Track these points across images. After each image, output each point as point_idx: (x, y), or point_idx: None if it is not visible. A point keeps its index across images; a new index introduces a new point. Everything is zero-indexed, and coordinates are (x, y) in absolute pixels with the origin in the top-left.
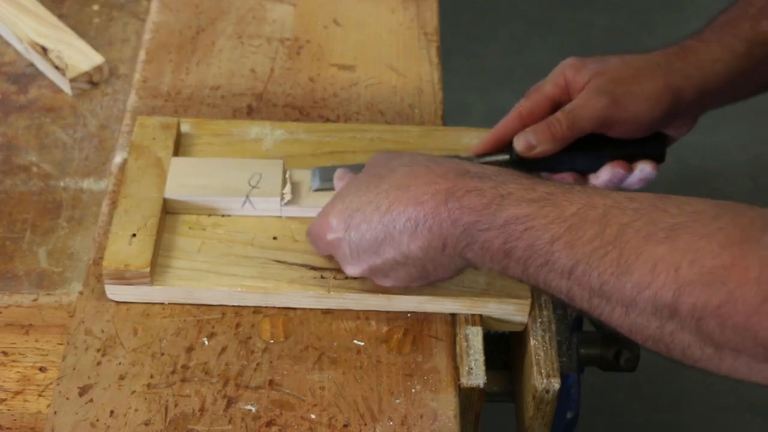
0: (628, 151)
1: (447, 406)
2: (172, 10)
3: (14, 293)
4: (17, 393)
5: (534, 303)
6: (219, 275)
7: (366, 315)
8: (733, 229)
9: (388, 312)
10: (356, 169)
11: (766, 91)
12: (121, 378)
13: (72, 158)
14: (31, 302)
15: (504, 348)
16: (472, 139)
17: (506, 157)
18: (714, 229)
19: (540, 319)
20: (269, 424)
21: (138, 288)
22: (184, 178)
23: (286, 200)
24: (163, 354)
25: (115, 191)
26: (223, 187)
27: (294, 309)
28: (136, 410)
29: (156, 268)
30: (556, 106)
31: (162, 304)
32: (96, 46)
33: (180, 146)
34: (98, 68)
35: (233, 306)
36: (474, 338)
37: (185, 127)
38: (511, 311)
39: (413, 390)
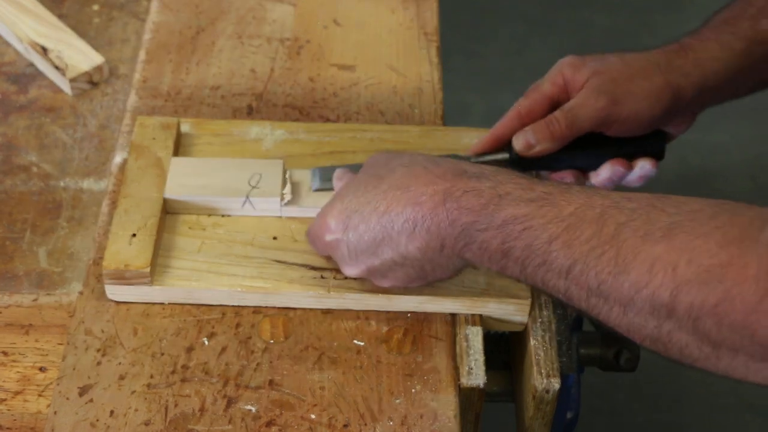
0: (627, 148)
1: (447, 406)
2: (172, 10)
3: (14, 293)
4: (17, 393)
5: (534, 303)
6: (219, 275)
7: (366, 315)
8: (730, 228)
9: (388, 312)
10: (355, 169)
11: (764, 89)
12: (121, 378)
13: (72, 158)
14: (31, 302)
15: (504, 348)
16: (472, 139)
17: (505, 156)
18: (711, 228)
19: (540, 319)
20: (269, 424)
21: (138, 288)
22: (184, 178)
23: (286, 200)
24: (163, 354)
25: (115, 191)
26: (223, 187)
27: (294, 309)
28: (136, 410)
29: (156, 268)
30: (554, 104)
31: (162, 304)
32: (96, 46)
33: (180, 146)
34: (98, 68)
35: (233, 306)
36: (474, 338)
37: (185, 127)
38: (511, 311)
39: (413, 390)
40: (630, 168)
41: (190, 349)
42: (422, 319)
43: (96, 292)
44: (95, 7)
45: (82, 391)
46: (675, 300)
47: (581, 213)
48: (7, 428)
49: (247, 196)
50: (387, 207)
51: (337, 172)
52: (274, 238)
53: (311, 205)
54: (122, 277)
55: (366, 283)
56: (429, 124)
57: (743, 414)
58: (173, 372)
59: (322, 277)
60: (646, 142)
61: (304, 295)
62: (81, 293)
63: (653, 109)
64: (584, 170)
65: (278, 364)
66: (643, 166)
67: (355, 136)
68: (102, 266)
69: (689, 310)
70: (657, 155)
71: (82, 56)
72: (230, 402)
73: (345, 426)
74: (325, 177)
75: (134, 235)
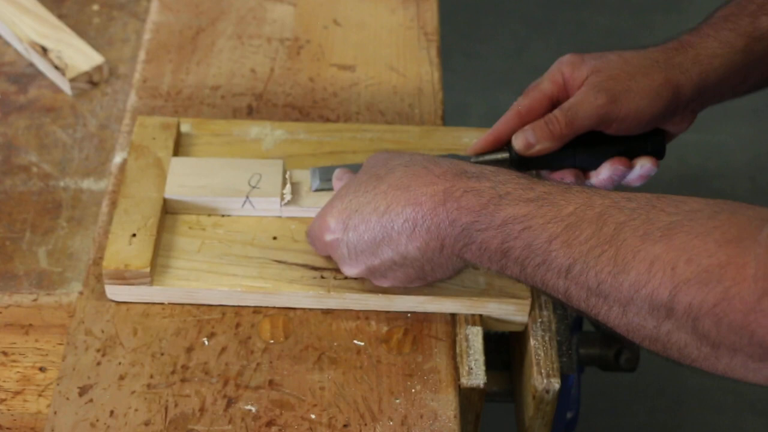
0: (627, 147)
1: (447, 406)
2: (172, 10)
3: (14, 293)
4: (17, 393)
5: (534, 303)
6: (219, 275)
7: (366, 315)
8: (729, 228)
9: (388, 312)
10: (355, 169)
11: (765, 88)
12: (121, 378)
13: (72, 158)
14: (31, 302)
15: (504, 348)
16: (472, 138)
17: (505, 155)
18: (710, 227)
19: (540, 319)
20: (269, 424)
21: (138, 288)
22: (184, 178)
23: (286, 200)
24: (163, 354)
25: (115, 191)
26: (223, 187)
27: (294, 309)
28: (136, 410)
29: (156, 268)
30: (554, 103)
31: (162, 304)
32: (96, 46)
33: (180, 146)
34: (98, 68)
35: (233, 306)
36: (474, 338)
37: (185, 127)
38: (511, 311)
39: (413, 390)
40: (630, 167)
41: (190, 349)
42: (422, 319)
43: (96, 292)
44: (95, 7)
45: (82, 391)
46: (674, 300)
47: (581, 212)
48: (7, 428)
49: (247, 196)
50: (387, 207)
51: (337, 172)
52: (274, 238)
53: (311, 205)
54: (122, 277)
55: (366, 283)
56: (429, 124)
57: (743, 414)
58: (173, 372)
59: (322, 277)
60: (646, 140)
61: (304, 295)
62: (81, 293)
63: (653, 107)
64: (584, 169)
65: (278, 364)
66: (644, 165)
67: (355, 136)
68: (102, 266)
69: (688, 309)
70: (657, 154)
71: (82, 56)
72: (230, 402)
73: (345, 426)
74: (324, 177)
75: (134, 235)
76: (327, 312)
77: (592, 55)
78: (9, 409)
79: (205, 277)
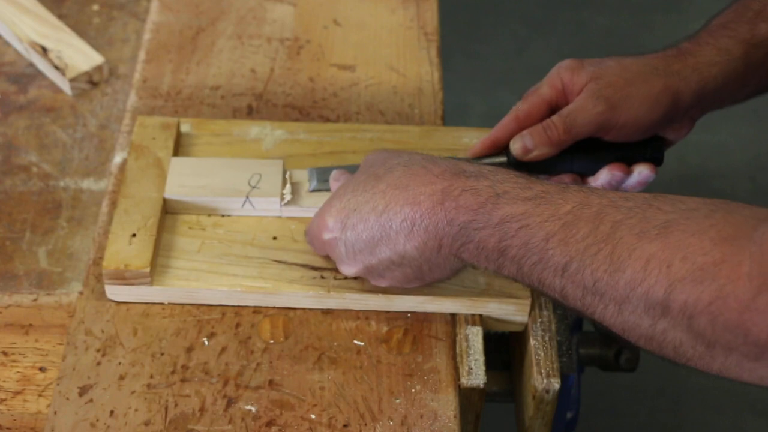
0: (626, 154)
1: (447, 406)
2: (172, 10)
3: (14, 293)
4: (17, 393)
5: (534, 303)
6: (219, 275)
7: (366, 315)
8: (725, 226)
9: (388, 312)
10: (352, 169)
11: (763, 94)
12: (121, 378)
13: (72, 158)
14: (31, 302)
15: (504, 348)
16: (472, 139)
17: (503, 159)
18: (706, 226)
19: (540, 319)
20: (269, 424)
21: (138, 288)
22: (184, 178)
23: (286, 200)
24: (163, 354)
25: (115, 191)
26: (223, 187)
27: (294, 309)
28: (136, 410)
29: (156, 268)
30: (553, 108)
31: (162, 304)
32: (96, 46)
33: (180, 146)
34: (98, 68)
35: (233, 306)
36: (474, 338)
37: (185, 127)
38: (511, 311)
39: (413, 390)
40: (628, 173)
41: (190, 349)
42: (422, 319)
43: (96, 292)
44: (95, 7)
45: (82, 391)
46: (669, 298)
47: (578, 211)
48: (7, 428)
49: (247, 196)
50: (385, 206)
51: (334, 173)
52: (274, 238)
53: (311, 205)
54: (122, 277)
55: (366, 283)
56: (429, 124)
57: (743, 414)
58: (173, 372)
59: (322, 277)
60: (644, 147)
61: (304, 295)
62: (81, 293)
63: (652, 114)
64: (582, 175)
65: (278, 364)
66: (642, 172)
67: (355, 136)
68: (102, 266)
69: (683, 308)
70: (656, 161)
71: (82, 56)
72: (230, 402)
73: (345, 426)
74: (321, 178)
75: (134, 235)
76: (327, 312)
77: (591, 60)
78: (9, 409)
79: (205, 277)
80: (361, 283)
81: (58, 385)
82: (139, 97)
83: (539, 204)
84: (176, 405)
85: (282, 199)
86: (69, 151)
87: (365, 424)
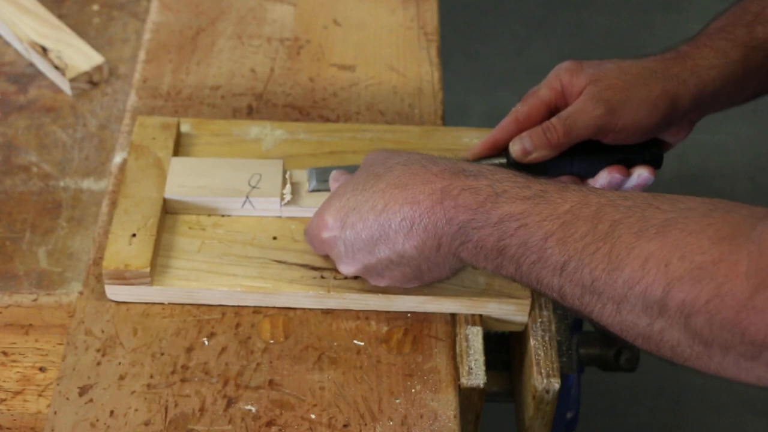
0: (625, 156)
1: (447, 406)
2: (172, 10)
3: (14, 293)
4: (17, 393)
5: (534, 303)
6: (219, 275)
7: (366, 315)
8: (723, 225)
9: (388, 312)
10: (352, 170)
11: (762, 97)
12: (121, 378)
13: (72, 158)
14: (31, 302)
15: (504, 348)
16: (472, 139)
17: (503, 161)
18: (705, 225)
19: (540, 319)
20: (269, 424)
21: (138, 288)
22: (184, 178)
23: (286, 200)
24: (163, 354)
25: (115, 191)
26: (223, 187)
27: (294, 309)
28: (136, 410)
29: (156, 268)
30: (552, 110)
31: (162, 304)
32: (96, 46)
33: (180, 146)
34: (98, 68)
35: (233, 306)
36: (474, 338)
37: (185, 127)
38: (511, 311)
39: (413, 390)
40: (627, 175)
41: (190, 349)
42: (422, 319)
43: (96, 292)
44: (95, 7)
45: (82, 391)
46: (667, 296)
47: (577, 210)
48: (7, 428)
49: (247, 196)
50: (385, 205)
51: (334, 174)
52: (274, 238)
53: (311, 205)
54: (122, 277)
55: (366, 283)
56: (429, 124)
57: (743, 414)
58: (173, 372)
59: (322, 277)
60: (643, 150)
61: (304, 295)
62: (81, 293)
63: (650, 118)
64: (581, 177)
65: (278, 364)
66: (641, 174)
67: (355, 136)
68: (102, 266)
69: (681, 306)
70: (655, 164)
71: (82, 56)
72: (230, 402)
73: (345, 426)
74: (321, 178)
75: (134, 235)
76: (327, 312)
77: (591, 63)
78: (9, 409)
79: (205, 277)
80: (361, 283)
81: (58, 385)
82: (139, 97)
83: (538, 203)
84: (176, 405)
85: (282, 199)
86: (69, 151)
87: (365, 424)
